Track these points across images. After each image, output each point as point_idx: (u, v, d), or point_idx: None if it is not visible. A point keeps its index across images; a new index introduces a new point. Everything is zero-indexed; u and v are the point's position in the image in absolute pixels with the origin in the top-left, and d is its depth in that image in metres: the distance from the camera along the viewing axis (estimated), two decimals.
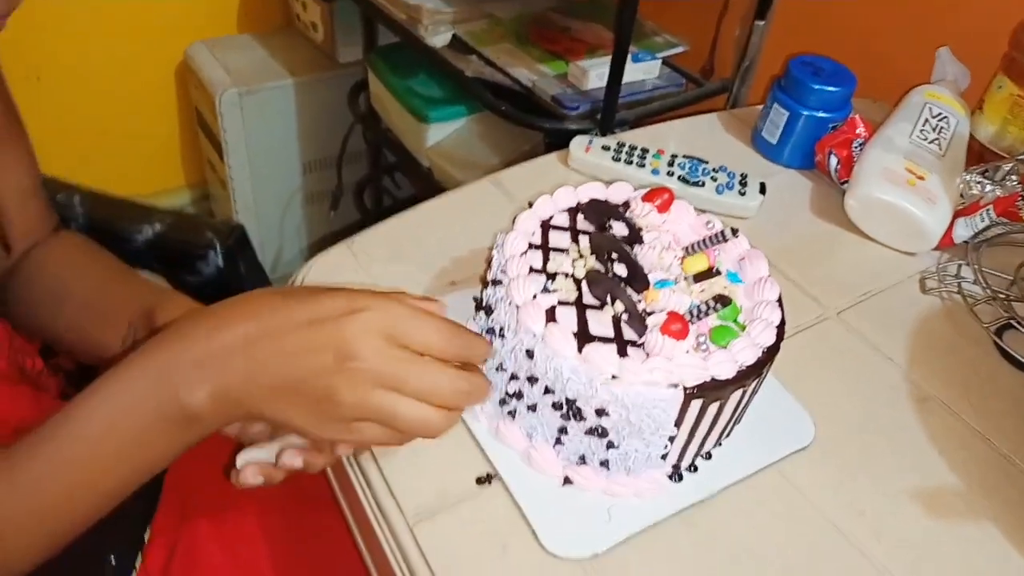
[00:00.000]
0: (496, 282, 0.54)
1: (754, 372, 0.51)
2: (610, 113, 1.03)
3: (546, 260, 0.55)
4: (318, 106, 1.65)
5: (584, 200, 0.60)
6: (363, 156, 1.66)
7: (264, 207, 1.74)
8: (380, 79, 1.37)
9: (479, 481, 0.55)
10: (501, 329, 0.53)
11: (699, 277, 0.54)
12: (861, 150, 0.85)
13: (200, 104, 1.69)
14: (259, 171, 1.67)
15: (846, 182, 0.85)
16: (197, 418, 0.44)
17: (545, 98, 1.08)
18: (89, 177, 0.91)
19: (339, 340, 0.43)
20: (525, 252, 0.54)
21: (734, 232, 0.54)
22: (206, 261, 0.86)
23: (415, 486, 0.55)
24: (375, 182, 1.63)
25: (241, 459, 0.50)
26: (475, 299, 0.58)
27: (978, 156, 0.90)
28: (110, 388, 0.45)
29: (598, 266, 0.55)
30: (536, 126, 1.07)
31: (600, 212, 0.58)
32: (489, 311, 0.54)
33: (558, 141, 0.88)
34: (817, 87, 0.85)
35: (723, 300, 0.49)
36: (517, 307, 0.51)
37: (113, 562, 0.64)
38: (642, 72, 1.12)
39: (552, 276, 0.54)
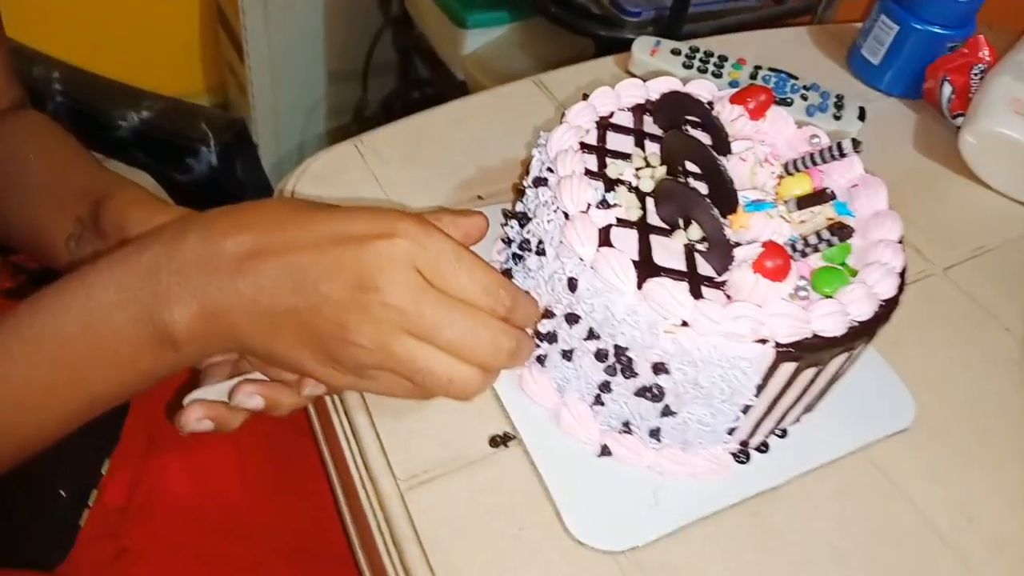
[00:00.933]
0: (540, 181, 0.42)
1: (866, 331, 0.39)
2: (678, 23, 0.90)
3: (602, 167, 0.42)
4: (348, 6, 1.51)
5: (654, 97, 0.47)
6: (393, 68, 1.52)
7: (285, 117, 1.62)
8: None
9: (494, 442, 0.44)
10: (539, 243, 0.41)
11: (803, 203, 0.41)
12: (982, 78, 0.70)
13: (221, 0, 1.56)
14: (281, 77, 1.55)
15: (959, 115, 0.70)
16: (174, 341, 0.36)
17: (603, 1, 0.93)
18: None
19: (362, 266, 0.35)
20: (577, 151, 0.42)
21: (856, 145, 0.40)
22: (197, 157, 0.74)
23: (412, 442, 0.43)
24: (404, 96, 1.50)
25: (190, 397, 0.40)
26: (504, 211, 0.45)
27: None
28: (90, 281, 0.37)
29: (671, 179, 0.42)
30: (590, 32, 0.93)
31: (676, 111, 0.45)
32: (525, 220, 0.42)
33: (611, 53, 0.74)
34: None
35: (843, 231, 0.36)
36: (565, 215, 0.39)
37: (64, 496, 0.56)
38: None
39: (612, 184, 0.41)
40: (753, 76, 0.68)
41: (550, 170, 0.43)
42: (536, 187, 0.42)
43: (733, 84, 0.67)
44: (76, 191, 0.51)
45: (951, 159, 0.69)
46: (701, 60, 0.68)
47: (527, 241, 0.42)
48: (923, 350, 0.54)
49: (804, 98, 0.67)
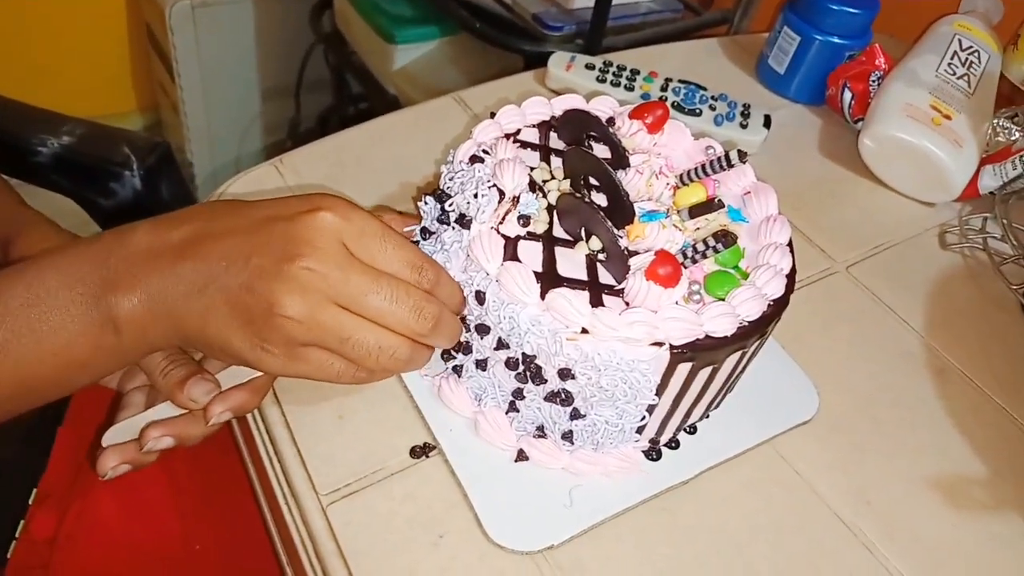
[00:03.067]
0: (476, 159, 0.45)
1: (757, 330, 0.41)
2: (597, 37, 0.92)
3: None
4: (279, 24, 1.50)
5: (559, 113, 0.49)
6: (327, 84, 1.52)
7: (220, 136, 1.61)
8: None
9: (414, 453, 0.45)
10: (461, 216, 0.43)
11: (695, 211, 0.43)
12: (879, 85, 0.74)
13: (150, 18, 1.54)
14: (213, 96, 1.54)
15: (859, 120, 0.74)
16: (116, 326, 0.38)
17: (526, 16, 0.96)
18: (29, 98, 0.78)
19: (289, 238, 0.37)
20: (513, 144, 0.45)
21: (741, 156, 0.43)
22: (121, 182, 0.74)
23: (332, 454, 0.44)
24: (339, 112, 1.50)
25: (107, 438, 0.42)
26: (419, 188, 0.47)
27: (1008, 98, 0.79)
28: (41, 262, 0.38)
29: (573, 192, 0.44)
30: (514, 47, 0.95)
31: (578, 127, 0.47)
32: (445, 196, 0.44)
33: (538, 67, 0.76)
34: (835, 8, 0.74)
35: (727, 238, 0.39)
36: (500, 192, 0.42)
37: None
38: None
39: (534, 187, 0.44)
40: (664, 88, 0.70)
41: (485, 152, 0.45)
42: (472, 164, 0.44)
43: (645, 96, 0.69)
44: None
45: (853, 162, 0.73)
46: (614, 74, 0.71)
47: (445, 214, 0.44)
48: (826, 344, 0.57)
49: (712, 108, 0.69)
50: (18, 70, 1.56)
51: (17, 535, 0.56)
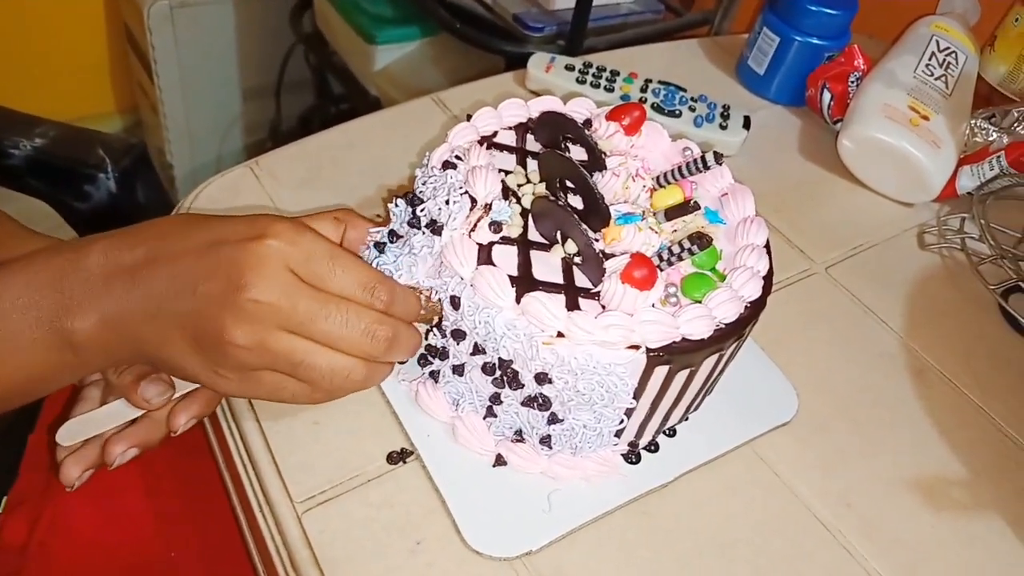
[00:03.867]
0: (448, 164, 0.44)
1: (734, 332, 0.41)
2: (578, 37, 0.92)
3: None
4: (259, 24, 1.49)
5: (536, 115, 0.49)
6: (308, 84, 1.51)
7: (199, 137, 1.59)
8: None
9: (391, 458, 0.45)
10: (432, 222, 0.42)
11: (671, 214, 0.43)
12: (858, 85, 0.74)
13: (129, 18, 1.52)
14: (193, 96, 1.52)
15: (839, 121, 0.74)
16: (74, 344, 0.37)
17: (506, 17, 0.95)
18: (6, 100, 0.77)
19: (235, 266, 0.36)
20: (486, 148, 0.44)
21: (717, 159, 0.43)
22: (96, 184, 0.73)
23: (309, 462, 0.44)
24: (320, 112, 1.49)
25: (61, 434, 0.42)
26: (389, 190, 0.47)
27: (985, 99, 0.80)
28: None
29: (548, 195, 0.43)
30: (494, 48, 0.94)
31: (554, 129, 0.47)
32: (418, 201, 0.43)
33: (520, 67, 0.76)
34: (814, 8, 0.74)
35: (701, 240, 0.38)
36: (472, 199, 0.42)
37: None
38: None
39: (507, 193, 0.43)
40: (643, 89, 0.70)
41: (459, 157, 0.44)
42: (444, 169, 0.44)
43: (624, 98, 0.69)
44: None
45: (833, 163, 0.73)
46: (594, 75, 0.71)
47: (416, 219, 0.43)
48: (805, 345, 0.57)
49: (692, 109, 0.69)
50: None
51: None
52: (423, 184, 0.44)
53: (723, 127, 0.69)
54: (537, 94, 0.71)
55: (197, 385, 0.42)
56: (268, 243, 0.36)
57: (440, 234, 0.41)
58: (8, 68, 1.57)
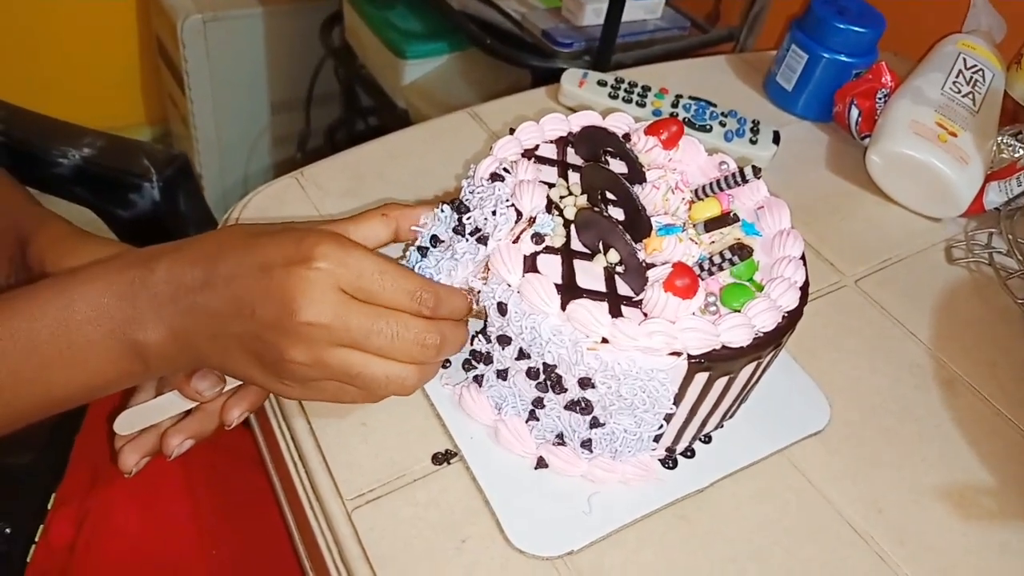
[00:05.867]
0: (496, 176, 0.46)
1: (772, 341, 0.42)
2: (606, 53, 0.93)
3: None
4: (289, 38, 1.52)
5: (576, 129, 0.50)
6: (336, 98, 1.54)
7: (228, 149, 1.62)
8: (356, 9, 1.26)
9: (436, 459, 0.46)
10: (476, 230, 0.44)
11: (710, 225, 0.44)
12: (886, 102, 0.76)
13: (161, 31, 1.56)
14: (223, 109, 1.55)
15: (866, 136, 0.76)
16: (144, 355, 0.40)
17: (535, 33, 0.97)
18: (40, 110, 0.79)
19: (286, 291, 0.37)
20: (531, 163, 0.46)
21: (755, 172, 0.44)
22: (140, 193, 0.75)
23: (357, 462, 0.46)
24: (348, 125, 1.51)
25: (119, 424, 0.44)
26: (436, 197, 0.48)
27: (1011, 116, 0.81)
28: (68, 292, 0.40)
29: (590, 207, 0.45)
30: (523, 63, 0.96)
31: (595, 144, 0.48)
32: (464, 208, 0.45)
33: (547, 83, 0.78)
34: (842, 26, 0.75)
35: (742, 251, 0.40)
36: (518, 212, 0.43)
37: (8, 532, 0.58)
38: (643, 10, 1.01)
39: (551, 206, 0.45)
40: (675, 104, 0.72)
41: (506, 170, 0.46)
42: (492, 181, 0.45)
43: (656, 112, 0.71)
44: (1, 231, 0.52)
45: (860, 177, 0.74)
46: (626, 90, 0.72)
47: (461, 226, 0.44)
48: (836, 356, 0.58)
49: (723, 124, 0.71)
50: (29, 82, 1.58)
51: (36, 540, 0.57)
52: (470, 193, 0.46)
53: (753, 142, 0.70)
54: (571, 109, 0.73)
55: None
56: (317, 265, 0.37)
57: (484, 243, 0.43)
58: (41, 78, 1.60)
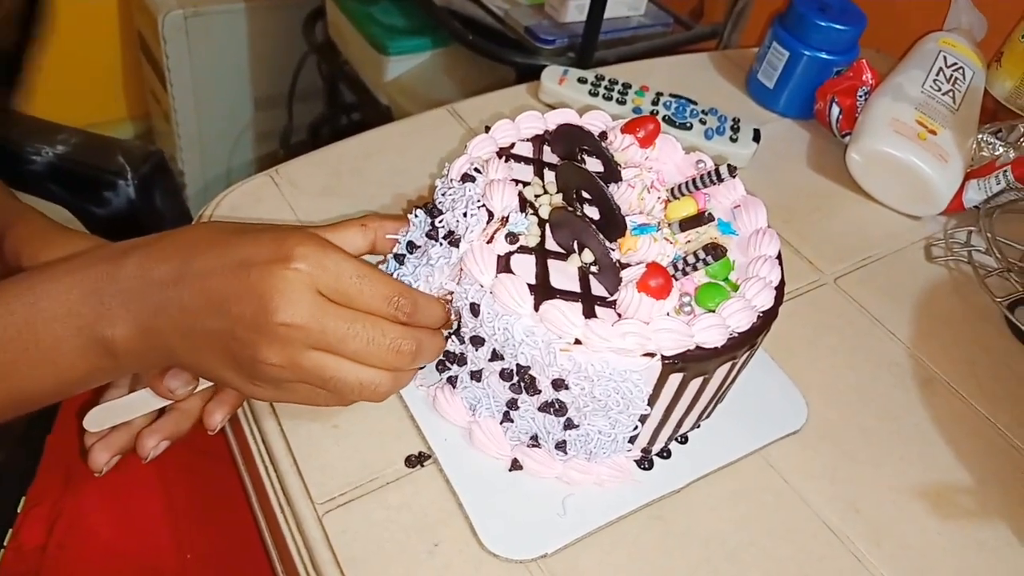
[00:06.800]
0: (467, 177, 0.45)
1: (747, 341, 0.42)
2: (589, 50, 0.93)
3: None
4: (271, 34, 1.51)
5: (552, 127, 0.50)
6: (319, 94, 1.53)
7: (211, 145, 1.61)
8: (339, 5, 1.25)
9: (409, 461, 0.46)
10: (449, 233, 0.43)
11: (686, 225, 0.44)
12: (866, 100, 0.75)
13: (143, 27, 1.54)
14: (205, 104, 1.54)
15: (847, 134, 0.75)
16: (113, 351, 0.39)
17: (518, 29, 0.97)
18: (20, 106, 0.78)
19: (264, 291, 0.37)
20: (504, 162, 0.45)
21: (731, 171, 0.44)
22: (115, 191, 0.74)
23: (329, 464, 0.45)
24: (331, 121, 1.50)
25: (88, 420, 0.43)
26: (409, 201, 0.48)
27: (991, 114, 0.81)
28: (34, 289, 0.39)
29: (565, 206, 0.45)
30: (506, 60, 0.96)
31: (571, 142, 0.48)
32: (437, 212, 0.44)
33: (530, 79, 0.77)
34: (823, 24, 0.75)
35: (716, 251, 0.39)
36: (489, 213, 0.43)
37: None
38: (626, 7, 1.01)
39: (525, 205, 0.44)
40: (655, 102, 0.71)
41: (477, 170, 0.45)
42: (463, 182, 0.45)
43: (636, 110, 0.70)
44: None
45: (841, 175, 0.74)
46: (606, 88, 0.72)
47: (434, 230, 0.44)
48: (814, 355, 0.58)
49: (703, 122, 0.70)
50: None
51: (6, 543, 0.56)
52: (442, 195, 0.45)
53: (733, 140, 0.70)
54: (551, 106, 0.72)
55: None
56: (295, 266, 0.37)
57: (457, 246, 0.43)
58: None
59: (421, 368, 0.48)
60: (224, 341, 0.38)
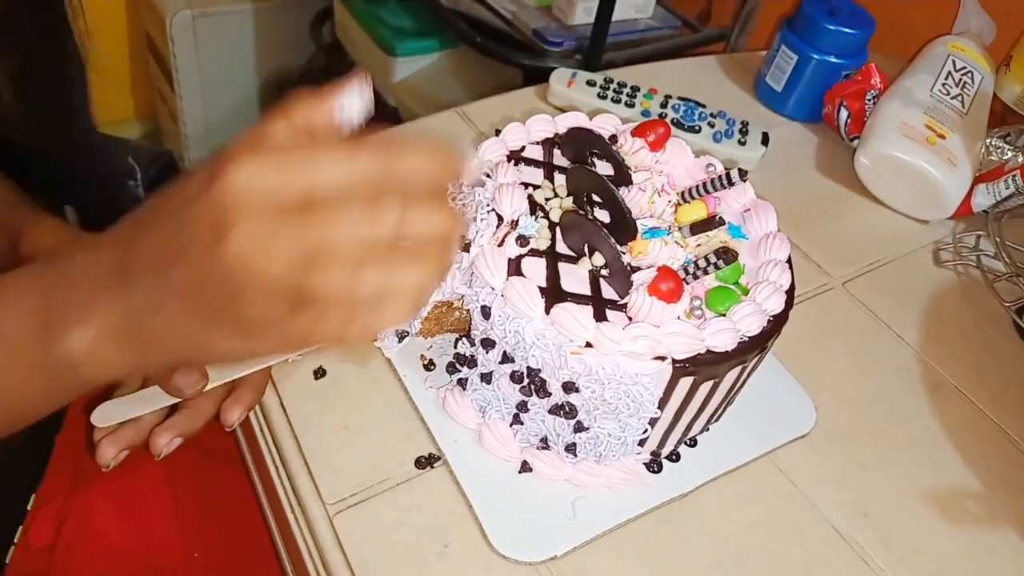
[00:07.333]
0: (478, 185, 0.45)
1: (757, 345, 0.42)
2: (597, 52, 0.93)
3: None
4: (279, 34, 1.51)
5: (563, 131, 0.50)
6: None
7: (218, 145, 1.60)
8: (347, 6, 1.25)
9: (419, 463, 0.46)
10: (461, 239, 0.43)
11: (696, 228, 0.44)
12: (875, 103, 0.75)
13: (150, 27, 1.55)
14: (212, 105, 1.54)
15: (856, 138, 0.75)
16: (73, 366, 0.34)
17: (526, 31, 0.97)
18: None
19: (210, 213, 0.29)
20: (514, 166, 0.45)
21: (742, 175, 0.44)
22: (124, 191, 0.74)
23: (339, 465, 0.45)
24: None
25: (96, 416, 0.43)
26: None
27: (1000, 118, 0.81)
28: None
29: (576, 209, 0.45)
30: (514, 62, 0.96)
31: (581, 145, 0.48)
32: None
33: (537, 81, 0.78)
34: (832, 27, 0.75)
35: (727, 255, 0.40)
36: (499, 217, 0.43)
37: None
38: (634, 9, 1.01)
39: (535, 208, 0.44)
40: (663, 105, 0.71)
41: (487, 175, 0.45)
42: (473, 187, 0.45)
43: (645, 113, 0.71)
44: None
45: (849, 179, 0.74)
46: (615, 90, 0.72)
47: None
48: (823, 359, 0.58)
49: (711, 125, 0.71)
50: None
51: (15, 541, 0.56)
52: (452, 199, 0.45)
53: (742, 143, 0.70)
54: (560, 109, 0.72)
55: (231, 377, 0.43)
56: (233, 171, 0.28)
57: (468, 249, 0.43)
58: None
59: (431, 367, 0.47)
60: (196, 288, 0.31)
